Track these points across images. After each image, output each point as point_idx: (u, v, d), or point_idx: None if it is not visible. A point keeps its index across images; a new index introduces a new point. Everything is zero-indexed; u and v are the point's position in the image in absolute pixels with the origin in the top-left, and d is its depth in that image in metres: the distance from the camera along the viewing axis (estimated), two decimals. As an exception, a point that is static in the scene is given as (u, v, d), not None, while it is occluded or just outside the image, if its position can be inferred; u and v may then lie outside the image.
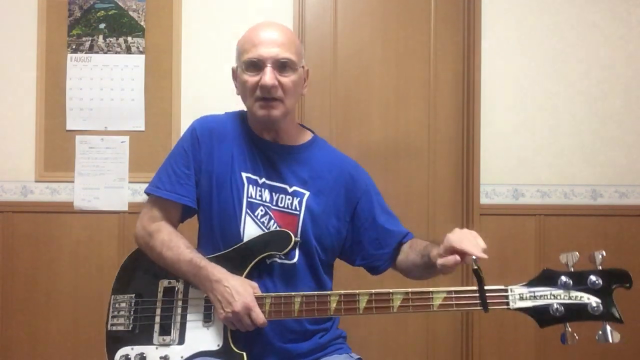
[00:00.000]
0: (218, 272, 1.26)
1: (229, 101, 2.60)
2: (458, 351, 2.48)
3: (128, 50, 2.40)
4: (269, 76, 1.29)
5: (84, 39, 2.40)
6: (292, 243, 1.30)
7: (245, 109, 1.44)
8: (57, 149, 2.38)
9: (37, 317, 2.36)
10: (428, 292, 1.16)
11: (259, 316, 1.22)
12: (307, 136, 1.47)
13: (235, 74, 1.40)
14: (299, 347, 1.34)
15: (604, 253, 1.11)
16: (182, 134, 1.46)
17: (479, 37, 2.45)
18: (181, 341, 1.28)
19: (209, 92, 2.39)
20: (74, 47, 2.40)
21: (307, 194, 1.36)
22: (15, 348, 2.35)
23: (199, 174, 1.37)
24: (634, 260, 2.45)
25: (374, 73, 2.50)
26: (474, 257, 1.11)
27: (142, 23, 2.41)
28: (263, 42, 1.31)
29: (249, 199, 1.34)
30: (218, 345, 1.27)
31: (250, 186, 1.35)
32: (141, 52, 2.40)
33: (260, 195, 1.34)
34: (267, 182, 1.35)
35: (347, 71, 2.50)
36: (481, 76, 2.44)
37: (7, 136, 2.38)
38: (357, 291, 1.20)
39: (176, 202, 1.37)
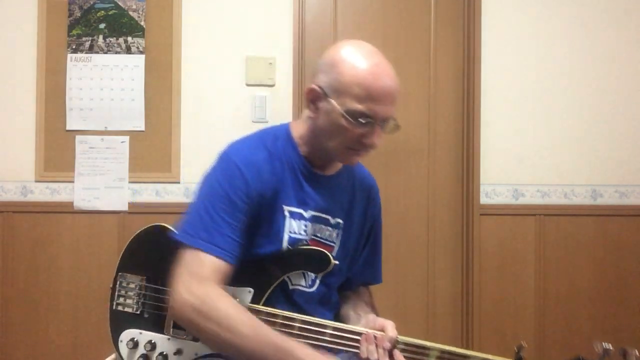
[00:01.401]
0: (307, 356, 1.09)
1: (228, 101, 2.59)
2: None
3: (128, 50, 2.40)
4: (379, 138, 1.22)
5: (84, 39, 2.40)
6: (330, 266, 1.24)
7: (274, 127, 1.32)
8: (57, 149, 2.38)
9: (37, 317, 2.36)
10: (466, 356, 1.19)
11: None
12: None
13: (318, 97, 1.20)
14: None
15: (638, 353, 1.10)
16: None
17: (479, 37, 2.45)
18: (196, 338, 1.20)
19: (209, 92, 2.39)
20: (74, 47, 2.40)
21: (343, 224, 1.32)
22: (15, 348, 2.35)
23: (246, 216, 1.19)
24: (634, 260, 2.45)
25: (374, 73, 2.50)
26: (523, 343, 1.15)
27: (142, 23, 2.41)
28: (382, 97, 1.22)
29: (290, 234, 1.25)
30: None
31: (293, 221, 1.25)
32: (141, 52, 2.40)
33: (305, 230, 1.26)
34: (313, 213, 1.28)
35: (347, 71, 2.50)
36: (481, 76, 2.44)
37: (7, 136, 2.38)
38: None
39: (226, 263, 1.14)
